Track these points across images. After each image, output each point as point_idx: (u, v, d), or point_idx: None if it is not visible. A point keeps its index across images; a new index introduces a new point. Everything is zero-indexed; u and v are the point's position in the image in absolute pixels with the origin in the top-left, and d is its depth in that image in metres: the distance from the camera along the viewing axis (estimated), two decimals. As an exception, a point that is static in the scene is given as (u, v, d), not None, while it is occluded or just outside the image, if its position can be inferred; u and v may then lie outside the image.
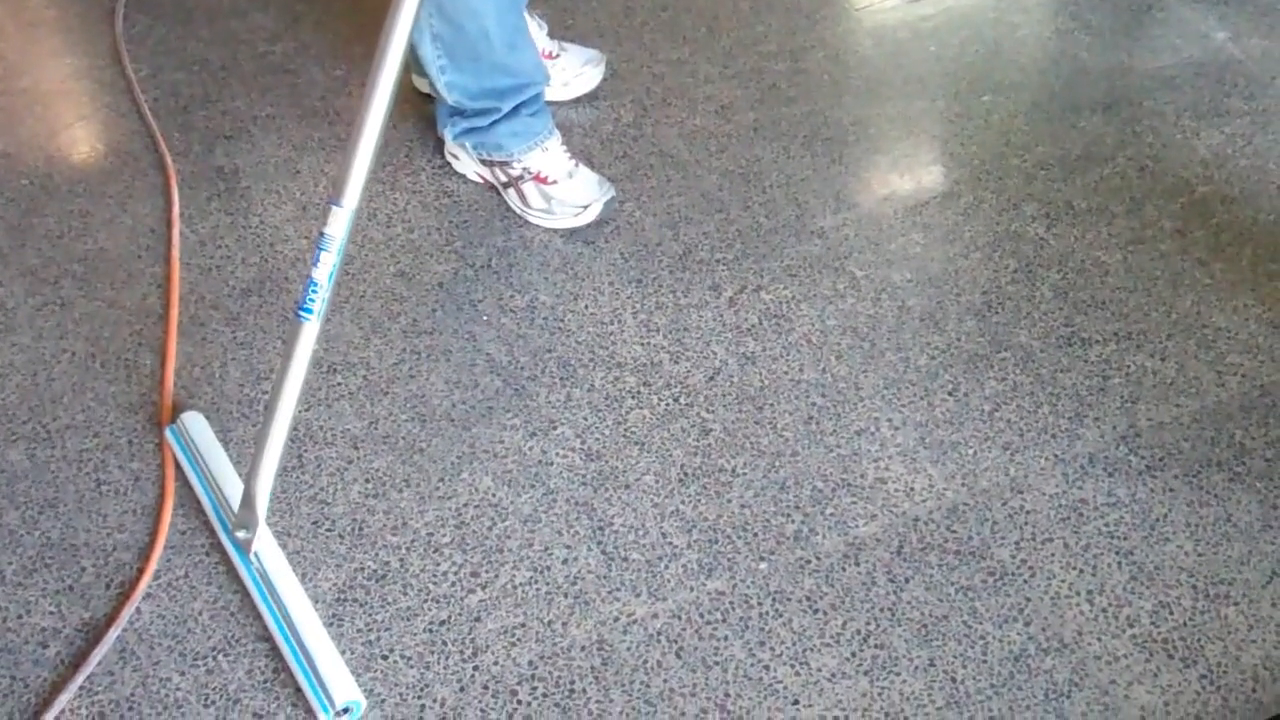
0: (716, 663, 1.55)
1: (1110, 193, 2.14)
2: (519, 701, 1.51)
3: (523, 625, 1.58)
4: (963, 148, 2.22)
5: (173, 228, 2.03)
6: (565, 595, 1.60)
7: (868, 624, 1.58)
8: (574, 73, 2.28)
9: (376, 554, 1.64)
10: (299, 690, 1.50)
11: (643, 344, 1.89)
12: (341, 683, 1.47)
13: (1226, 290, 1.99)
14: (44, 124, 2.25)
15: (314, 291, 1.50)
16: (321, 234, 1.49)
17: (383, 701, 1.51)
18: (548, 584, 1.61)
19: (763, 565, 1.63)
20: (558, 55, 2.27)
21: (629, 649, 1.56)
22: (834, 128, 2.25)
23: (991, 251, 2.04)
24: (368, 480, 1.72)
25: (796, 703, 1.52)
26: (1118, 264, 2.02)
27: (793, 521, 1.68)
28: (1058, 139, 2.23)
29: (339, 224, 1.49)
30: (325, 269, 1.50)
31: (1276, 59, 2.39)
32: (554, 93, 2.24)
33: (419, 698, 1.52)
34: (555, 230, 2.05)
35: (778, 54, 2.39)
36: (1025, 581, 1.62)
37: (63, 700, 1.50)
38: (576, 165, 2.07)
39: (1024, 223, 2.08)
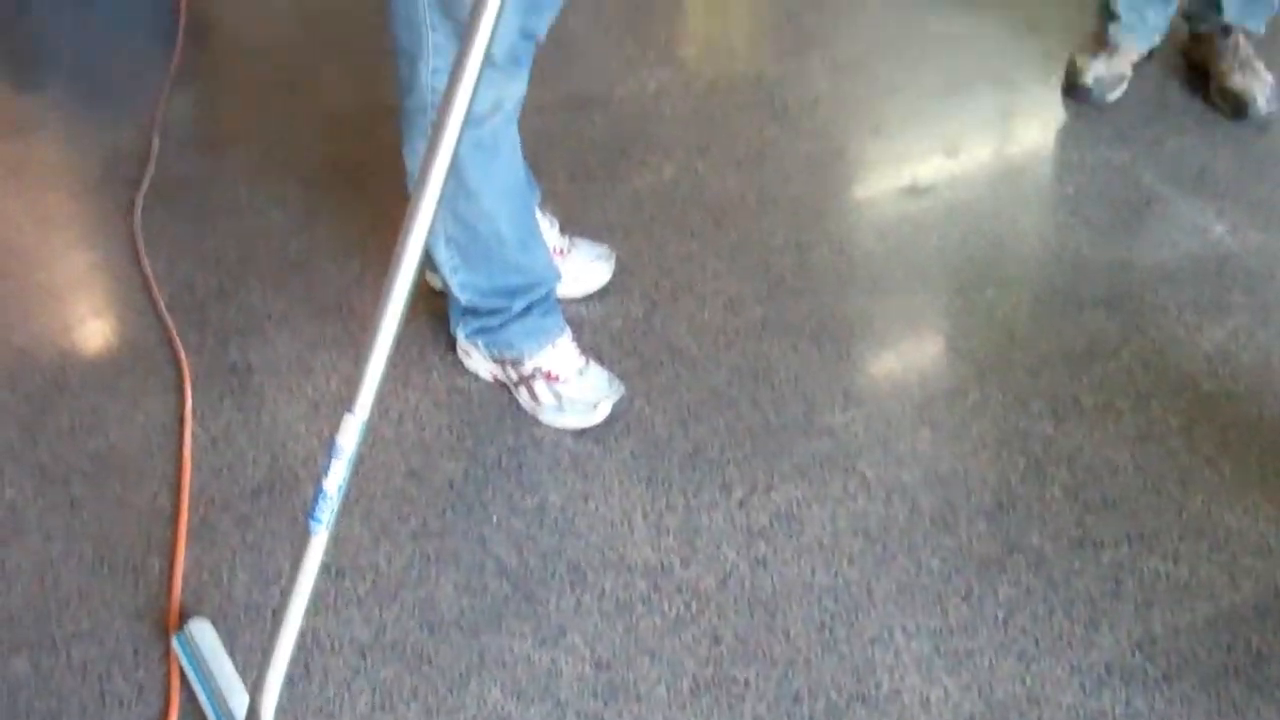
0: None
1: (1116, 389, 2.15)
2: None
3: (532, 847, 1.54)
4: (968, 343, 2.24)
5: (184, 426, 2.04)
6: (576, 817, 1.57)
7: (885, 846, 1.55)
8: (584, 268, 2.31)
9: (384, 771, 1.62)
10: None
11: (653, 546, 1.89)
12: None
13: (1236, 489, 1.99)
14: (59, 318, 2.28)
15: (323, 501, 1.50)
16: (333, 441, 1.49)
17: None
18: (558, 804, 1.58)
19: (777, 784, 1.60)
20: (568, 251, 2.30)
21: None
22: (840, 322, 2.28)
23: (1000, 449, 2.05)
24: (375, 691, 1.70)
25: None
26: (1126, 463, 2.03)
27: (807, 736, 1.65)
28: (1062, 334, 2.26)
29: (350, 433, 1.49)
30: (335, 479, 1.50)
31: (1275, 253, 2.43)
32: (564, 288, 2.27)
33: None
34: (566, 429, 2.06)
35: (784, 248, 2.43)
36: (1045, 801, 1.59)
37: None
38: (587, 363, 2.09)
39: (1031, 420, 2.09)
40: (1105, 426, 2.08)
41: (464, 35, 1.47)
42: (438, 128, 1.47)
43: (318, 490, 1.49)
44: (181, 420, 2.06)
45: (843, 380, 2.16)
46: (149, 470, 1.99)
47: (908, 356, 2.22)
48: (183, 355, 2.16)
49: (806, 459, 2.02)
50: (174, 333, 2.20)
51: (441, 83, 1.77)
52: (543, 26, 1.98)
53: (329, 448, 1.47)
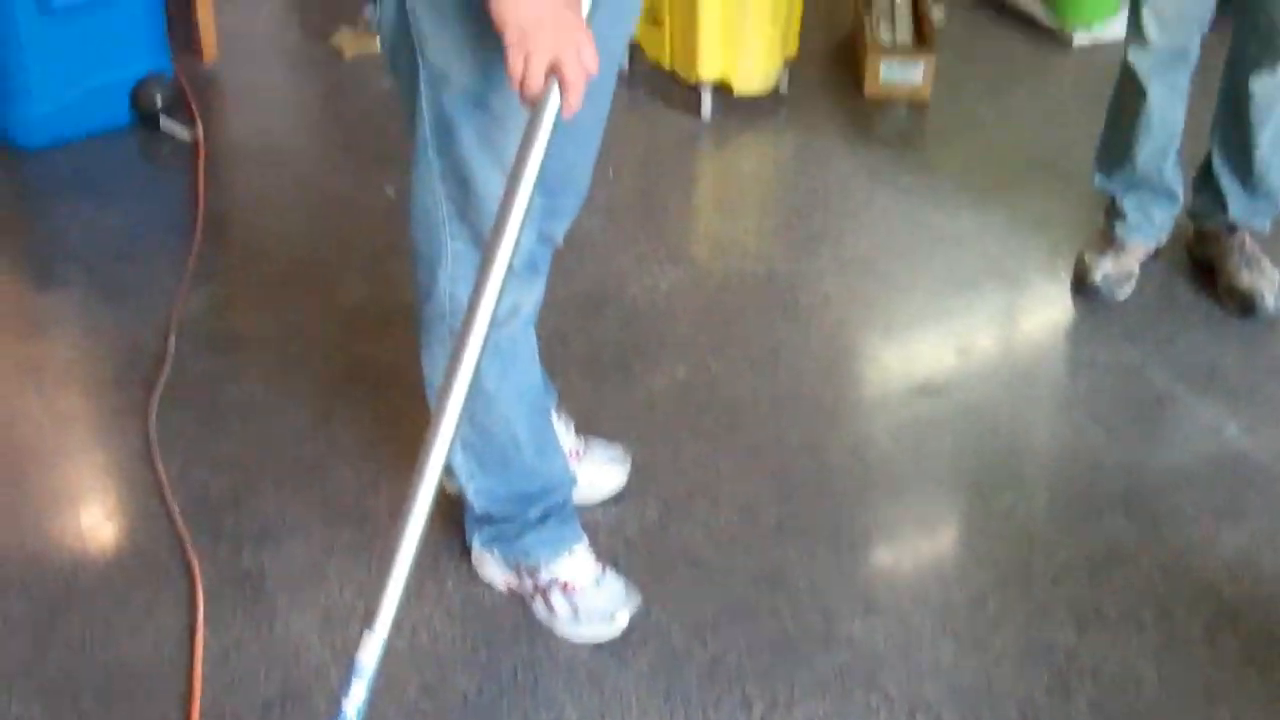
0: None
1: (1138, 597, 2.13)
2: None
3: None
4: (987, 549, 2.23)
5: (196, 637, 2.02)
6: None
7: None
8: (598, 471, 2.30)
9: None
10: None
11: (672, 767, 1.85)
12: None
13: (1263, 703, 1.96)
14: (72, 523, 2.27)
15: (343, 723, 1.47)
16: (353, 660, 1.46)
17: None
18: None
19: None
20: (583, 454, 2.30)
21: None
22: (858, 527, 2.26)
23: (1023, 661, 2.02)
24: None
25: None
26: (1151, 675, 2.00)
27: None
28: (1081, 540, 2.24)
29: (372, 651, 1.47)
30: (355, 700, 1.48)
31: (1290, 454, 2.44)
32: (579, 493, 2.25)
33: None
34: (582, 641, 2.03)
35: (798, 450, 2.43)
36: None
37: None
38: (603, 571, 2.07)
39: (1054, 630, 2.07)
40: (1128, 637, 2.06)
41: (486, 247, 1.49)
42: (459, 342, 1.48)
43: (337, 713, 1.47)
44: (193, 631, 2.03)
45: (861, 587, 2.14)
46: (160, 684, 1.95)
47: (926, 563, 2.21)
48: (195, 563, 2.14)
49: (827, 672, 1.99)
50: (186, 539, 2.19)
51: (460, 290, 1.80)
52: (560, 232, 2.01)
53: (349, 666, 1.45)
